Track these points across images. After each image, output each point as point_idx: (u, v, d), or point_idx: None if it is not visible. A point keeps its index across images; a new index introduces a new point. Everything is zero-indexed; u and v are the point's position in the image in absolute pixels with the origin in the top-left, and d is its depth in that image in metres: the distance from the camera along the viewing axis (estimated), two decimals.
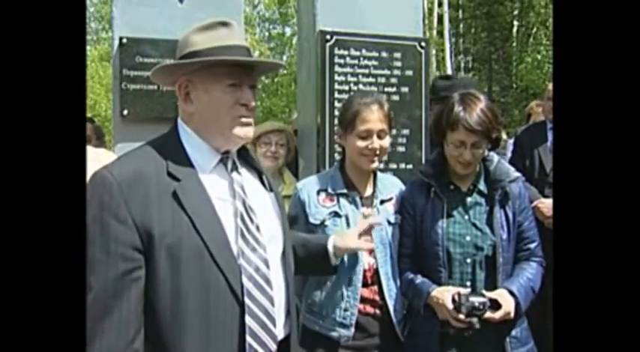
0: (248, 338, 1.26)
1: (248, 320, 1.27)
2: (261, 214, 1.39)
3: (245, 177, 1.43)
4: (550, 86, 3.57)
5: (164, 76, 1.42)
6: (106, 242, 1.18)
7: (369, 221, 1.82)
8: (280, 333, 1.37)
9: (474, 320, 1.78)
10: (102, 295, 1.17)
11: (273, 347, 1.31)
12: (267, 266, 1.33)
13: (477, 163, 1.96)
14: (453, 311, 1.80)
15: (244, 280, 1.28)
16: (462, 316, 1.78)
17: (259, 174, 1.51)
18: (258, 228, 1.35)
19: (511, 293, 1.85)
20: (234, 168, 1.40)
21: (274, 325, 1.31)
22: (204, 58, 1.32)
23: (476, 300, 1.78)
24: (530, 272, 1.93)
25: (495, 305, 1.80)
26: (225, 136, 1.36)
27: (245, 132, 1.38)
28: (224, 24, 1.38)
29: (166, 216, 1.24)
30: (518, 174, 2.00)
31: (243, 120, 1.36)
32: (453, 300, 1.81)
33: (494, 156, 2.04)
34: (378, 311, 1.95)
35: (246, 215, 1.33)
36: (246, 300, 1.27)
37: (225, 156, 1.39)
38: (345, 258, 1.92)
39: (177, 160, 1.31)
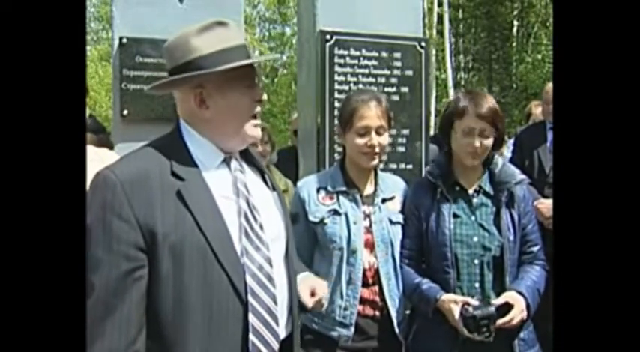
0: (251, 337, 1.26)
1: (251, 318, 1.27)
2: (265, 213, 1.39)
3: (248, 176, 1.43)
4: (547, 88, 3.55)
5: (169, 87, 1.39)
6: (109, 241, 1.18)
7: (324, 293, 1.59)
8: (282, 332, 1.37)
9: (484, 335, 1.77)
10: (104, 294, 1.16)
11: (276, 345, 1.31)
12: (271, 265, 1.33)
13: (484, 155, 1.96)
14: (461, 326, 1.80)
15: (248, 279, 1.28)
16: (470, 334, 1.78)
17: (261, 172, 1.51)
18: (261, 227, 1.35)
19: (519, 293, 1.85)
20: (238, 166, 1.40)
21: (277, 323, 1.31)
22: (215, 62, 1.30)
23: (483, 313, 1.76)
24: (535, 275, 1.93)
25: (504, 312, 1.79)
26: (241, 138, 1.38)
27: (257, 132, 1.40)
28: (221, 24, 1.37)
29: (170, 215, 1.23)
30: (523, 176, 2.01)
31: (255, 120, 1.38)
32: (461, 313, 1.80)
33: (499, 159, 2.04)
34: (377, 313, 1.95)
35: (249, 214, 1.33)
36: (250, 299, 1.27)
37: (229, 156, 1.39)
38: (345, 256, 1.92)
39: (181, 160, 1.31)
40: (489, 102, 1.93)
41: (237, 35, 1.39)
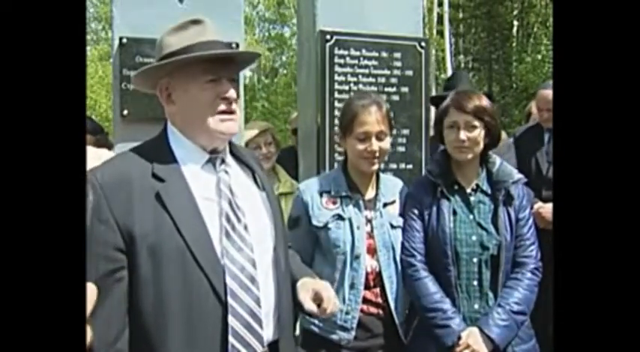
0: (231, 339, 1.25)
1: (231, 320, 1.25)
2: (251, 214, 1.38)
3: (235, 176, 1.41)
4: (539, 94, 3.51)
5: (144, 81, 1.42)
6: (88, 243, 1.17)
7: (331, 304, 1.47)
8: (270, 334, 1.36)
9: None
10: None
11: (259, 348, 1.29)
12: (254, 266, 1.31)
13: (475, 149, 1.97)
14: None
15: (228, 280, 1.26)
16: None
17: (252, 172, 1.50)
18: (246, 228, 1.33)
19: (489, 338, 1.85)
20: (223, 166, 1.39)
21: (260, 326, 1.30)
22: (179, 57, 1.32)
23: None
24: (521, 293, 1.91)
25: None
26: (209, 133, 1.35)
27: (227, 127, 1.36)
28: (196, 22, 1.39)
29: (149, 216, 1.24)
30: (520, 175, 2.03)
31: (225, 116, 1.35)
32: None
33: (497, 158, 2.06)
34: (381, 312, 1.95)
35: (232, 214, 1.32)
36: (230, 300, 1.26)
37: (214, 156, 1.39)
38: (348, 261, 1.92)
39: (163, 162, 1.31)
40: (474, 98, 1.97)
41: (210, 32, 1.39)
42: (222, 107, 1.35)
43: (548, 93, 3.23)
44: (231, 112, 1.37)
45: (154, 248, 1.22)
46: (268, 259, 1.40)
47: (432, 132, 2.64)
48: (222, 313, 1.26)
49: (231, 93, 1.36)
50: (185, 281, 1.24)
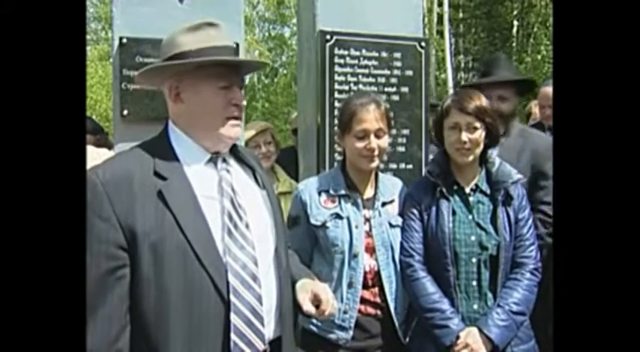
0: (233, 337, 1.25)
1: (233, 318, 1.26)
2: (252, 212, 1.38)
3: (236, 175, 1.42)
4: (541, 91, 3.53)
5: (152, 78, 1.42)
6: (90, 241, 1.18)
7: (329, 306, 1.47)
8: (271, 332, 1.36)
9: None
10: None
11: (261, 346, 1.30)
12: (256, 264, 1.32)
13: (476, 151, 1.97)
14: None
15: (230, 278, 1.27)
16: None
17: (253, 171, 1.51)
18: (247, 226, 1.34)
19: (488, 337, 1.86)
20: (225, 165, 1.40)
21: (262, 324, 1.30)
22: (194, 58, 1.32)
23: None
24: (521, 293, 1.92)
25: None
26: (216, 137, 1.37)
27: (235, 133, 1.39)
28: (211, 24, 1.39)
29: (151, 214, 1.24)
30: (520, 176, 2.03)
31: (234, 121, 1.38)
32: None
33: (496, 158, 2.06)
34: (379, 312, 1.95)
35: (234, 213, 1.33)
36: (232, 298, 1.26)
37: (216, 155, 1.39)
38: (346, 259, 1.92)
39: (165, 160, 1.32)
40: (474, 98, 1.97)
41: (225, 36, 1.40)
42: (232, 113, 1.37)
43: (551, 90, 3.25)
44: (240, 118, 1.40)
45: (156, 246, 1.22)
46: (270, 257, 1.41)
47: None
48: (224, 311, 1.26)
49: (242, 100, 1.39)
50: (187, 279, 1.24)
